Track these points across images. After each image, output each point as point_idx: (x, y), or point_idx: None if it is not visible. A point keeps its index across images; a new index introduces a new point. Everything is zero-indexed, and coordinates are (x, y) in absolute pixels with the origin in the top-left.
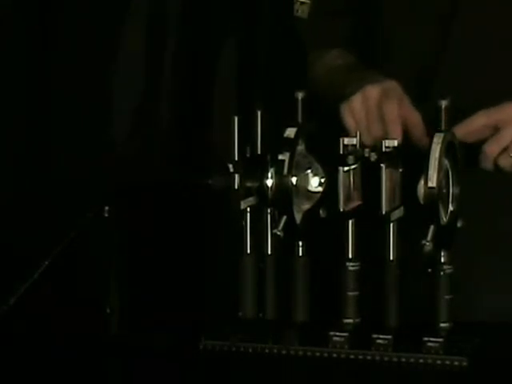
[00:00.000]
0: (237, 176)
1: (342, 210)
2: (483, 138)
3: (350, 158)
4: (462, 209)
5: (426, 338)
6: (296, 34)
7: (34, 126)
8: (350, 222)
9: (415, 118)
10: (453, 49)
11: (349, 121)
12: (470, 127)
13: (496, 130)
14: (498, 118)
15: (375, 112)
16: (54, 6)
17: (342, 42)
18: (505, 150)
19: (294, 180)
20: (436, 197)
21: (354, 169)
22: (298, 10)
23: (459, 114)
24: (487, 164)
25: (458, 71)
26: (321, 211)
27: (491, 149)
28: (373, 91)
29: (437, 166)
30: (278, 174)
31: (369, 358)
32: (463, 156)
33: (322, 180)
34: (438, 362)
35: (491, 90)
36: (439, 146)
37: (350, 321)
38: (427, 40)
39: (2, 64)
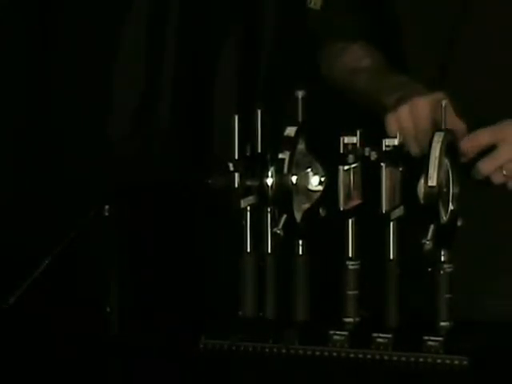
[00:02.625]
0: (237, 175)
1: (342, 208)
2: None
3: (350, 157)
4: (462, 208)
5: (426, 337)
6: (307, 26)
7: (34, 125)
8: (350, 220)
9: (460, 130)
10: (464, 47)
11: (394, 131)
12: (476, 143)
13: (491, 146)
14: (499, 137)
15: (424, 122)
16: (54, 6)
17: (356, 36)
18: (499, 167)
19: (294, 179)
20: (436, 196)
21: (354, 168)
22: (310, 2)
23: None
24: (478, 178)
25: (469, 69)
26: (321, 210)
27: (486, 167)
28: (421, 102)
29: (437, 165)
30: (278, 173)
31: (369, 356)
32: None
33: (322, 179)
34: (438, 361)
35: (500, 89)
36: (439, 145)
37: (350, 320)
38: (439, 38)
39: (2, 64)
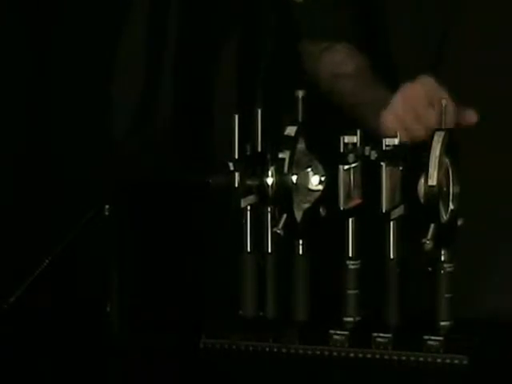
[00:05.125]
0: (237, 174)
1: (342, 208)
2: None
3: (351, 157)
4: (462, 207)
5: (426, 337)
6: (291, 20)
7: (34, 125)
8: (351, 220)
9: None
10: (454, 47)
11: (393, 126)
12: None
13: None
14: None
15: (421, 102)
16: (54, 6)
17: (340, 32)
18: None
19: (294, 178)
20: (436, 195)
21: (354, 167)
22: None
23: None
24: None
25: (459, 62)
26: (321, 209)
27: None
28: (411, 87)
29: (437, 165)
30: (279, 173)
31: (369, 356)
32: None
33: (323, 178)
34: (438, 360)
35: (493, 83)
36: (439, 144)
37: (351, 319)
38: (427, 33)
39: (2, 64)
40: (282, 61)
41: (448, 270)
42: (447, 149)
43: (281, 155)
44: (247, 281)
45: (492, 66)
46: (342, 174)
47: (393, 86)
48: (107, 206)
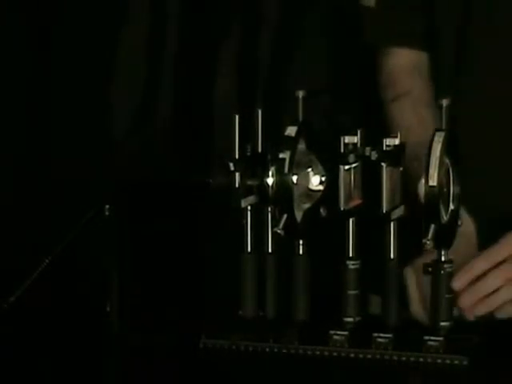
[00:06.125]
0: (237, 175)
1: (342, 208)
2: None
3: (351, 157)
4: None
5: (426, 337)
6: (360, 23)
7: (34, 126)
8: (351, 220)
9: None
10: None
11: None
12: (471, 275)
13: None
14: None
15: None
16: (54, 6)
17: (412, 37)
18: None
19: (294, 178)
20: (437, 195)
21: (354, 167)
22: None
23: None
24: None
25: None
26: (321, 210)
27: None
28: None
29: (437, 165)
30: (279, 173)
31: (369, 356)
32: None
33: (323, 178)
34: (438, 360)
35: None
36: (440, 144)
37: (351, 319)
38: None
39: (2, 64)
40: (281, 61)
41: (448, 270)
42: (447, 149)
43: (281, 155)
44: (247, 281)
45: (492, 66)
46: (342, 175)
47: None
48: (107, 206)
